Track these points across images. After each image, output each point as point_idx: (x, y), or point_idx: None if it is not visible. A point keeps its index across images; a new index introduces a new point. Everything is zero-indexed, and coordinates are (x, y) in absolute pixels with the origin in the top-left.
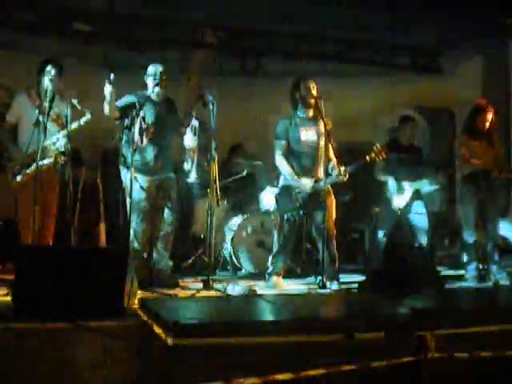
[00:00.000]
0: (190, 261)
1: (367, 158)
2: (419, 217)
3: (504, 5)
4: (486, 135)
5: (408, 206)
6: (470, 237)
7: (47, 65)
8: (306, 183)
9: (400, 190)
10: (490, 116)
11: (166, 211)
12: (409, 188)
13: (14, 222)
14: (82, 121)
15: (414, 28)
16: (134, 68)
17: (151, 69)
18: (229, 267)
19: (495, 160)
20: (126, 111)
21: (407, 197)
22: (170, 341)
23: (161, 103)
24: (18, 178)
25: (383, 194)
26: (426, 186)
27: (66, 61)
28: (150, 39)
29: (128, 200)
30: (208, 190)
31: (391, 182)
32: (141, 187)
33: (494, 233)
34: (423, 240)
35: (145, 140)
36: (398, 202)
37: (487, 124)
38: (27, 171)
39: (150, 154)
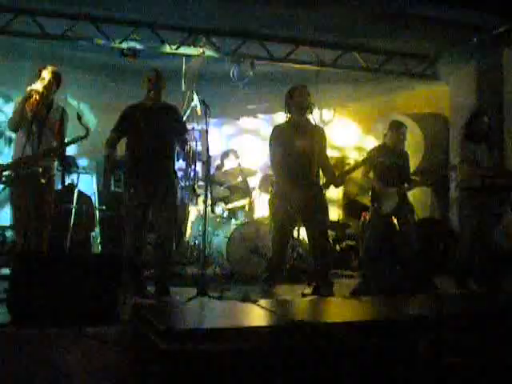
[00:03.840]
0: (183, 267)
1: (362, 163)
2: (408, 222)
3: (499, 12)
4: (485, 139)
5: (397, 210)
6: (465, 243)
7: (43, 72)
8: (301, 189)
9: (388, 194)
10: (487, 119)
11: (162, 217)
12: (397, 193)
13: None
14: (79, 138)
15: (409, 35)
16: (127, 74)
17: (147, 75)
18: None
19: (494, 163)
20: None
21: (395, 202)
22: (162, 347)
23: (156, 109)
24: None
25: (372, 199)
26: (414, 190)
27: (64, 68)
28: (143, 45)
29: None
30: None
31: (379, 187)
32: (134, 192)
33: (490, 239)
34: (413, 245)
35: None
36: (387, 206)
37: (485, 127)
38: (15, 176)
39: (144, 159)
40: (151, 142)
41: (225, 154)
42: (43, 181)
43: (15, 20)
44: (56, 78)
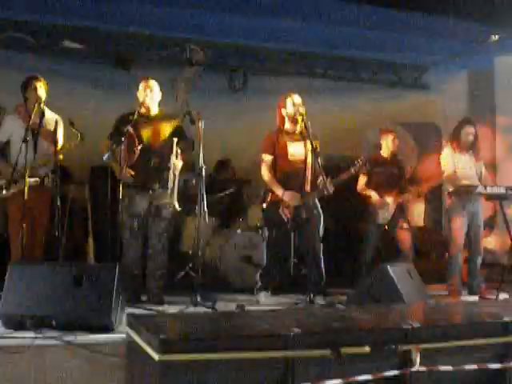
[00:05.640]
0: (178, 277)
1: (352, 170)
2: (403, 231)
3: (490, 21)
4: (471, 149)
5: (392, 220)
6: (456, 251)
7: (33, 81)
8: (293, 197)
9: (384, 204)
10: (473, 129)
11: (157, 228)
12: (392, 202)
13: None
14: (73, 143)
15: (401, 44)
16: (121, 85)
17: (142, 83)
18: None
19: (478, 173)
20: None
21: (391, 211)
22: (156, 357)
23: (152, 118)
24: (4, 193)
25: (367, 209)
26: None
27: (55, 78)
28: (138, 57)
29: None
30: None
31: (374, 197)
32: (133, 203)
33: (479, 247)
34: (406, 254)
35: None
36: (383, 216)
37: (471, 137)
38: (14, 187)
39: (140, 169)
40: (147, 152)
41: (220, 163)
42: (39, 190)
43: None
44: (45, 87)
